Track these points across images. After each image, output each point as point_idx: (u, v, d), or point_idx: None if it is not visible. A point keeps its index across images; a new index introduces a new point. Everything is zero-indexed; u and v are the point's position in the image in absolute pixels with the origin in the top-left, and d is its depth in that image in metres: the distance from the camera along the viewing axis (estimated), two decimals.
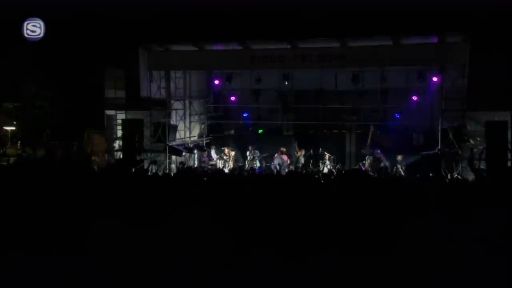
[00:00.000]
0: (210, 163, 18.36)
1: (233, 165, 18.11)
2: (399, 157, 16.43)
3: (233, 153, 18.76)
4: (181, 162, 17.68)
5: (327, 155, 17.58)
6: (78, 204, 6.00)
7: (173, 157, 18.48)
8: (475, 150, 14.99)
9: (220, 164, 18.29)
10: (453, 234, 4.98)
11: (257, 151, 18.35)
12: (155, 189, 7.12)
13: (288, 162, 17.90)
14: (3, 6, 13.62)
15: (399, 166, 16.26)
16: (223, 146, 19.25)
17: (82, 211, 5.77)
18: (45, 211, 5.81)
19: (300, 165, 17.57)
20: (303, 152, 17.91)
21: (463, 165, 15.02)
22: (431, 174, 12.20)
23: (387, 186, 9.68)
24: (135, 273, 4.37)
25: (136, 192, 6.89)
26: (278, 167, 17.26)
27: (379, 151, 16.92)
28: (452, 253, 4.55)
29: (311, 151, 18.05)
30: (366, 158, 17.29)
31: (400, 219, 5.35)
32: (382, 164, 16.65)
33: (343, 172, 15.76)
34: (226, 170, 16.97)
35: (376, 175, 14.88)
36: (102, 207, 6.04)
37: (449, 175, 13.86)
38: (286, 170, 17.21)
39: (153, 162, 16.54)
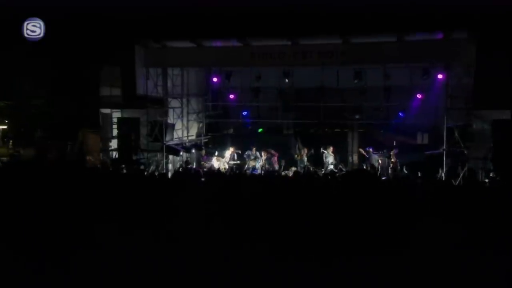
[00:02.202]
0: (208, 162, 18.25)
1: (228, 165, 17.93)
2: (391, 153, 16.33)
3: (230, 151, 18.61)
4: (186, 161, 17.53)
5: (331, 148, 17.43)
6: (73, 205, 5.96)
7: (170, 156, 18.38)
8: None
9: (221, 164, 18.13)
10: (461, 236, 5.00)
11: (257, 152, 18.24)
12: (154, 191, 7.06)
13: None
14: (3, 6, 13.70)
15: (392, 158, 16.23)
16: (223, 147, 19.09)
17: (77, 212, 5.79)
18: (38, 212, 5.75)
19: (303, 165, 17.40)
20: (306, 151, 17.77)
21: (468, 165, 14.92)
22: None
23: (391, 187, 9.61)
24: (131, 274, 4.43)
25: (132, 193, 6.83)
26: (276, 167, 17.19)
27: (371, 149, 16.83)
28: (458, 255, 4.61)
29: (312, 150, 17.98)
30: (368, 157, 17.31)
31: (404, 221, 5.34)
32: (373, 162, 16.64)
33: (347, 172, 15.76)
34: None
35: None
36: (98, 208, 6.01)
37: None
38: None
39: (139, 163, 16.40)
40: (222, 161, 18.09)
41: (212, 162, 17.99)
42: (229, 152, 18.39)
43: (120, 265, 4.56)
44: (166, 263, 4.56)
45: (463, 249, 4.73)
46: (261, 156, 17.97)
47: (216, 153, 18.65)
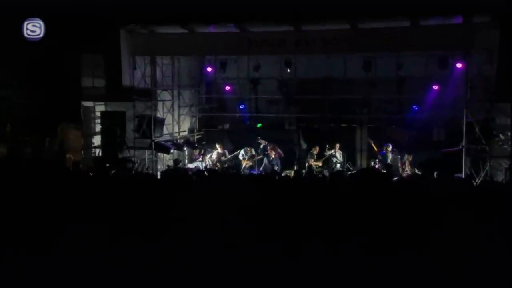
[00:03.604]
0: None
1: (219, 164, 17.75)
2: (409, 157, 16.17)
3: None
4: (175, 160, 17.37)
5: (337, 146, 17.37)
6: (53, 211, 5.93)
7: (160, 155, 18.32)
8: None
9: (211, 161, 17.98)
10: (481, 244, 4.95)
11: (252, 149, 18.13)
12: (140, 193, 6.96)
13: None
14: (3, 6, 14.02)
15: (406, 166, 16.02)
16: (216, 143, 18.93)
17: (55, 217, 5.73)
18: (12, 217, 5.65)
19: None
20: (317, 149, 17.59)
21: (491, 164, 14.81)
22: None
23: (405, 188, 9.49)
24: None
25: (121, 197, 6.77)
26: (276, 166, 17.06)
27: (390, 146, 16.69)
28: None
29: (317, 148, 17.83)
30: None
31: (420, 225, 5.30)
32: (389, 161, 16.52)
33: (355, 172, 15.66)
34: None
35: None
36: (79, 212, 5.96)
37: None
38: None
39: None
40: (206, 158, 17.90)
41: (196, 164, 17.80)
42: (216, 152, 18.10)
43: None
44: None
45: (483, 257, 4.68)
46: (265, 153, 17.75)
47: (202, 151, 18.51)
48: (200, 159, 17.90)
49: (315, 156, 17.47)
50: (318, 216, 5.68)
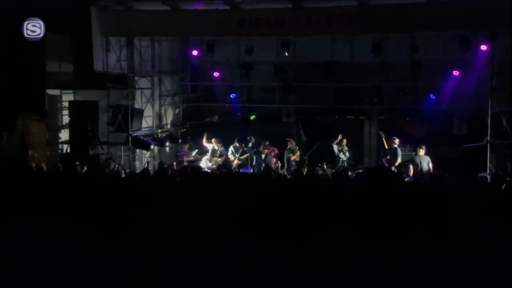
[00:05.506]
0: (187, 159, 18.10)
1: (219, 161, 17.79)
2: (421, 151, 15.99)
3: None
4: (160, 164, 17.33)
5: (344, 141, 17.46)
6: (11, 214, 5.97)
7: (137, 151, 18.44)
8: None
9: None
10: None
11: (243, 144, 18.24)
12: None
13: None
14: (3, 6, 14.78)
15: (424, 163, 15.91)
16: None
17: (17, 221, 5.73)
18: None
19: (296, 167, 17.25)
20: (293, 143, 17.73)
21: None
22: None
23: (420, 190, 9.45)
24: None
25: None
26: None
27: (397, 140, 16.67)
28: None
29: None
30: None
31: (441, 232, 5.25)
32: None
33: (361, 171, 15.60)
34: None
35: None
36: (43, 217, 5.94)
37: None
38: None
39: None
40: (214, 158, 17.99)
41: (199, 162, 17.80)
42: (211, 146, 18.15)
43: None
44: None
45: None
46: (256, 149, 17.77)
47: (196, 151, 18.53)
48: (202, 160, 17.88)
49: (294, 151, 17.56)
50: (315, 218, 5.69)
